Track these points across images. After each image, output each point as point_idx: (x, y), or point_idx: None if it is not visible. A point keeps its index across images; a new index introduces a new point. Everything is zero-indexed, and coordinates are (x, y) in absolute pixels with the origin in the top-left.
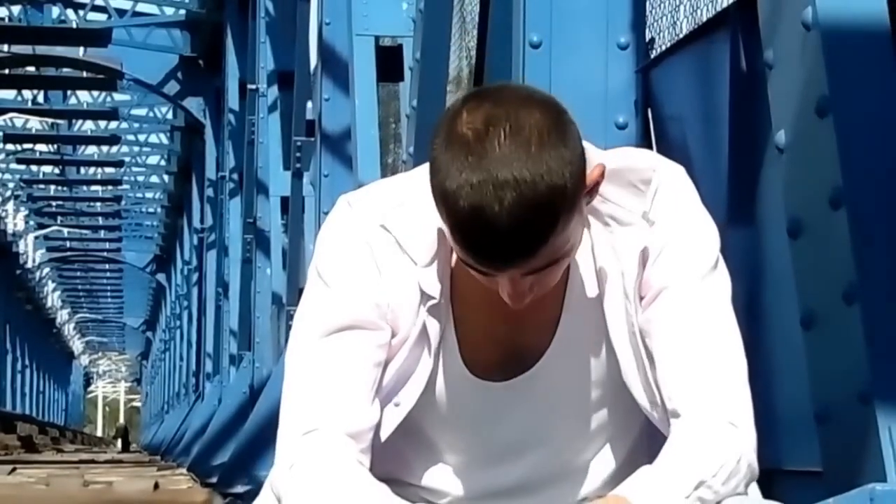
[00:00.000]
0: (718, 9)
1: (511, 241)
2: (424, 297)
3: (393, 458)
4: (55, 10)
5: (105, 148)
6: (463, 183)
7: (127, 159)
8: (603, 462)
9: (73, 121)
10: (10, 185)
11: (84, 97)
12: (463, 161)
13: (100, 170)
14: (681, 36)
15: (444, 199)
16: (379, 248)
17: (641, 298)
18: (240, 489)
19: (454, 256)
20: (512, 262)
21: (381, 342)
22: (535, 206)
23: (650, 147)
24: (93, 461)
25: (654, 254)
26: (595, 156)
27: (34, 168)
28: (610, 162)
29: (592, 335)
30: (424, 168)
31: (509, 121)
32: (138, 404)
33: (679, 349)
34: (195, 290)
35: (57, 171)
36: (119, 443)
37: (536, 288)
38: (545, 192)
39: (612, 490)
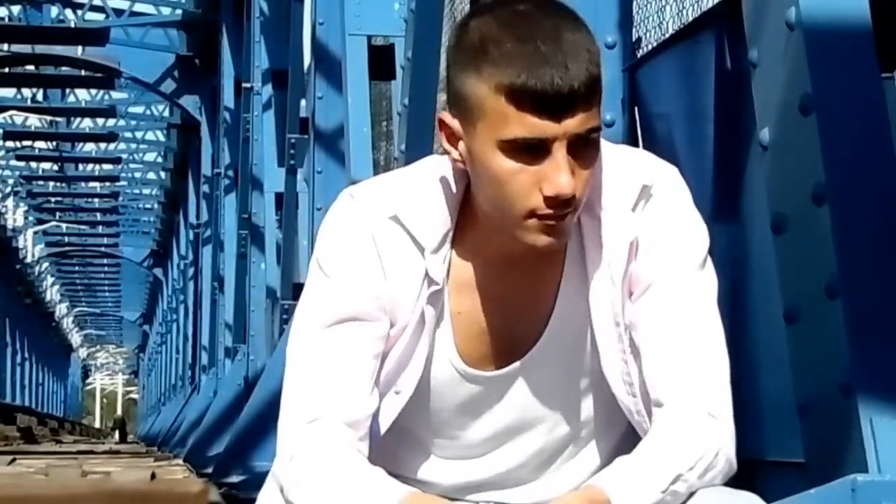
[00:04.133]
0: (704, 9)
1: (563, 59)
2: (429, 282)
3: (382, 450)
4: (54, 10)
5: (103, 145)
6: (505, 37)
7: (124, 156)
8: (591, 453)
9: (72, 118)
10: (10, 181)
11: (82, 95)
12: (495, 30)
13: (98, 166)
14: (667, 35)
15: (486, 53)
16: (383, 239)
17: (631, 293)
18: (235, 479)
19: (455, 246)
20: (573, 95)
21: (380, 334)
22: (581, 46)
23: (636, 145)
24: (91, 452)
25: (644, 248)
26: None
27: (33, 165)
28: (608, 155)
29: (582, 326)
30: (425, 160)
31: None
32: (135, 396)
33: (664, 341)
34: (191, 285)
35: (56, 167)
36: (116, 434)
37: (576, 173)
38: (586, 38)
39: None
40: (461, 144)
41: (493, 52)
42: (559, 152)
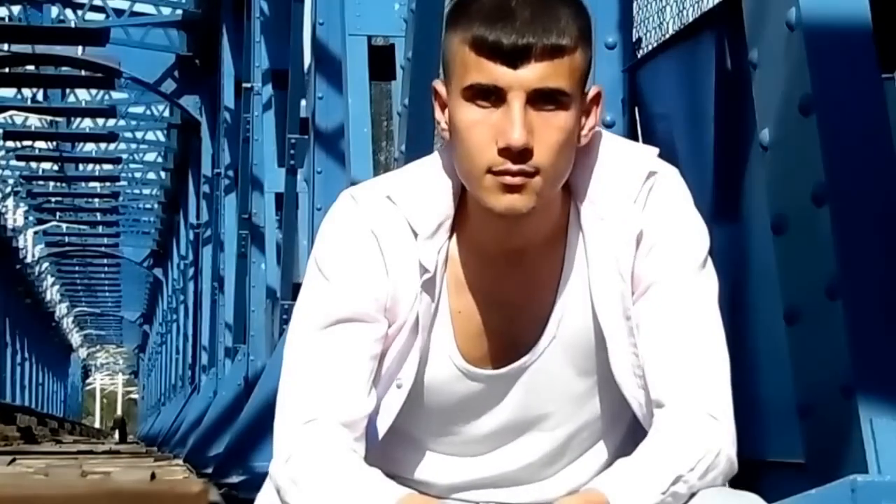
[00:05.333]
0: (704, 9)
1: (530, 19)
2: (422, 270)
3: (380, 451)
4: (54, 10)
5: (103, 145)
6: None
7: (125, 156)
8: (594, 452)
9: (72, 118)
10: (10, 181)
11: (82, 95)
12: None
13: (98, 166)
14: (667, 36)
15: (466, 10)
16: (383, 232)
17: (632, 293)
18: (235, 479)
19: (454, 242)
20: (528, 47)
21: (378, 335)
22: (561, 15)
23: None
24: (91, 452)
25: (645, 248)
26: (598, 134)
27: (34, 165)
28: (608, 146)
29: (585, 325)
30: (424, 158)
31: None
32: (136, 396)
33: (664, 342)
34: (191, 285)
35: (56, 167)
36: (116, 434)
37: (536, 136)
38: (571, 13)
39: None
40: (447, 111)
41: (471, 8)
42: (515, 102)
